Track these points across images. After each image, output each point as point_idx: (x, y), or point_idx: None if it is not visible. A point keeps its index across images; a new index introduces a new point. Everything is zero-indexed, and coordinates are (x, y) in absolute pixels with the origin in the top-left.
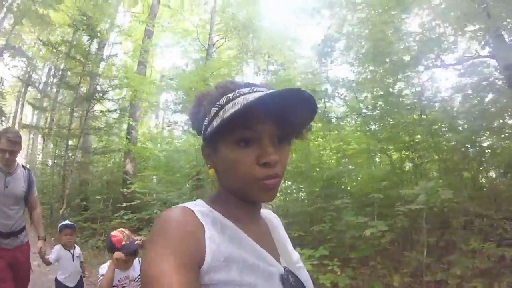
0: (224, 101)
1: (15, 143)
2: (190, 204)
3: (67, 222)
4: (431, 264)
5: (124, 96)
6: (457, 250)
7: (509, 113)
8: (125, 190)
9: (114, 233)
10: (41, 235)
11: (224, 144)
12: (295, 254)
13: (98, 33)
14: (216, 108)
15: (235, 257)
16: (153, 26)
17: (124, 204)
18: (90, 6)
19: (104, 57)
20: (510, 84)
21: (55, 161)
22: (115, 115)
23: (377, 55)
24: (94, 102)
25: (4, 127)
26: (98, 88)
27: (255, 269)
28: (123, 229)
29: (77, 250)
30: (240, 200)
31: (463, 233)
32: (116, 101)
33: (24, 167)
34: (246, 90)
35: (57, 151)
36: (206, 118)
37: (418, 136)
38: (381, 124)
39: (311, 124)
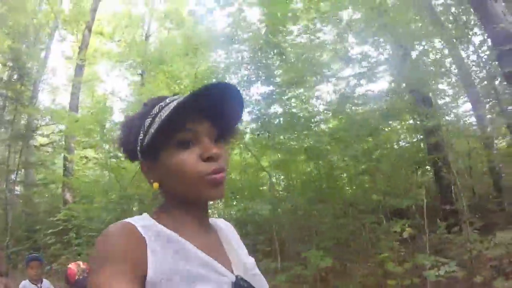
0: (157, 109)
1: None
2: (133, 219)
3: (34, 254)
4: None
5: (57, 130)
6: None
7: None
8: (51, 219)
9: (70, 265)
10: (2, 271)
11: (165, 152)
12: (250, 261)
13: (28, 73)
14: (150, 119)
15: (179, 269)
16: (84, 60)
17: (50, 230)
18: (21, 46)
19: (35, 94)
20: None
21: None
22: (50, 149)
23: None
24: (28, 138)
25: None
26: (34, 123)
27: (203, 280)
28: (80, 262)
29: (45, 284)
30: (186, 209)
31: None
32: (47, 136)
33: None
34: (176, 97)
35: None
36: (141, 133)
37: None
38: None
39: (241, 121)
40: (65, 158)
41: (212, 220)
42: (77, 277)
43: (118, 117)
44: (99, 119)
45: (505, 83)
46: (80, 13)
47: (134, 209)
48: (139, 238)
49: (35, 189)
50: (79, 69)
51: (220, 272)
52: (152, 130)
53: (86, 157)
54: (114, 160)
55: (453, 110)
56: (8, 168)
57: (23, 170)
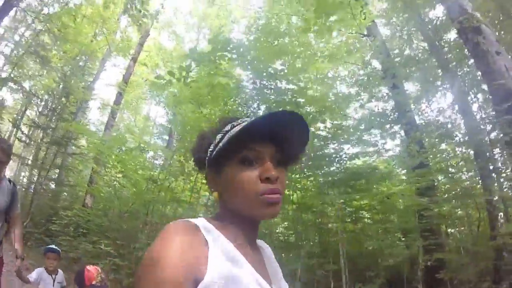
0: (230, 127)
1: (6, 154)
2: (195, 220)
3: (52, 246)
4: None
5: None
6: None
7: None
8: (61, 213)
9: (89, 267)
10: (20, 254)
11: (229, 166)
12: (284, 283)
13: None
14: (221, 134)
15: (234, 278)
16: (123, 89)
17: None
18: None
19: (77, 111)
20: None
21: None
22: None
23: None
24: (62, 145)
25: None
26: (70, 134)
27: None
28: (99, 269)
29: (59, 275)
30: (240, 222)
31: None
32: (79, 147)
33: (10, 180)
34: (247, 119)
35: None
36: (212, 145)
37: None
38: None
39: (305, 149)
40: (92, 168)
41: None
42: (94, 281)
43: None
44: (110, 145)
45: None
46: (128, 46)
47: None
48: (202, 239)
49: (63, 188)
50: (119, 95)
51: (264, 287)
52: (221, 145)
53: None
54: (116, 182)
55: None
56: (42, 166)
57: (57, 170)
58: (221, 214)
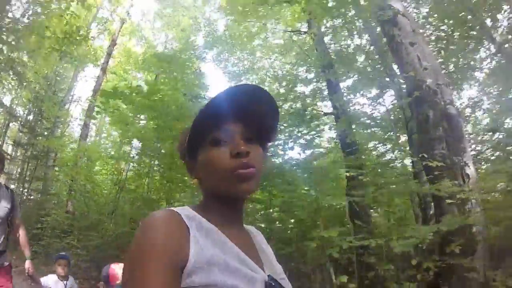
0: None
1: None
2: (177, 208)
3: (62, 253)
4: None
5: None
6: None
7: None
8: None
9: (114, 265)
10: (28, 256)
11: (201, 150)
12: (278, 267)
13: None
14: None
15: (217, 260)
16: (92, 101)
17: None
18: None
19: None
20: None
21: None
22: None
23: None
24: (39, 159)
25: None
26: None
27: (237, 273)
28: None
29: (70, 281)
30: (222, 203)
31: None
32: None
33: (7, 187)
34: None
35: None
36: (188, 135)
37: None
38: None
39: (276, 124)
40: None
41: (246, 227)
42: (118, 281)
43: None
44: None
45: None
46: (96, 57)
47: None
48: (183, 226)
49: (47, 197)
50: (91, 106)
51: (253, 269)
52: (190, 131)
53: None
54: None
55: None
56: (24, 179)
57: (42, 182)
58: (203, 200)
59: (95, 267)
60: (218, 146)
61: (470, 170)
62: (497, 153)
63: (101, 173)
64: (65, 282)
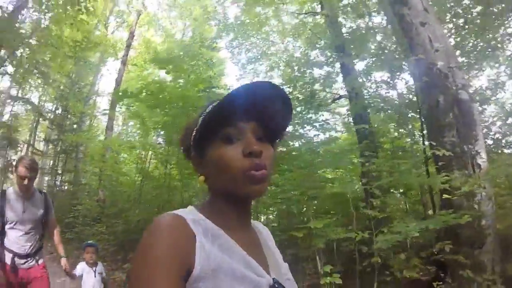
0: (210, 107)
1: (32, 170)
2: (182, 212)
3: (90, 242)
4: None
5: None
6: None
7: None
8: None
9: None
10: (63, 254)
11: (211, 146)
12: (284, 266)
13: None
14: (203, 116)
15: (224, 267)
16: (114, 95)
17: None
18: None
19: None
20: None
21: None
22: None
23: None
24: (69, 153)
25: (19, 155)
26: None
27: (243, 279)
28: None
29: (99, 267)
30: (229, 203)
31: None
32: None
33: (40, 191)
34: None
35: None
36: (194, 130)
37: None
38: None
39: (289, 124)
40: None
41: (252, 222)
42: None
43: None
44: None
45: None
46: (115, 51)
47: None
48: (189, 232)
49: (78, 187)
50: (113, 100)
51: (259, 273)
52: (200, 126)
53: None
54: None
55: None
56: (56, 172)
57: (73, 174)
58: (210, 199)
59: (121, 251)
60: (231, 143)
61: (482, 159)
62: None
63: (125, 163)
64: (94, 268)
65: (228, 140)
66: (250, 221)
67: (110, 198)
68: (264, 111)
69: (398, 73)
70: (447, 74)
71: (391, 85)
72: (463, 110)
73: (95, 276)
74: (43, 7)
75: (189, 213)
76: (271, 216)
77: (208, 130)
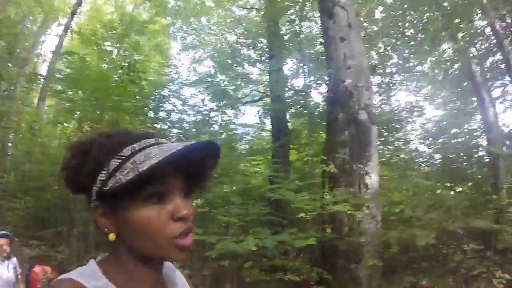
0: (130, 152)
1: None
2: (81, 275)
3: (2, 232)
4: None
5: None
6: None
7: None
8: None
9: (36, 268)
10: None
11: (131, 202)
12: None
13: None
14: (119, 160)
15: None
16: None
17: None
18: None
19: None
20: None
21: None
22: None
23: None
24: None
25: None
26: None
27: None
28: (48, 268)
29: (13, 261)
30: (141, 265)
31: None
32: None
33: None
34: (151, 140)
35: None
36: (103, 172)
37: None
38: None
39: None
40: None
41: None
42: (39, 285)
43: None
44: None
45: None
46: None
47: None
48: None
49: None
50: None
51: None
52: (121, 176)
53: None
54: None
55: None
56: None
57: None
58: (117, 257)
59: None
60: (155, 203)
61: (371, 180)
62: None
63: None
64: (6, 262)
65: (153, 199)
66: (161, 274)
67: (35, 174)
68: (197, 169)
69: (319, 82)
70: (352, 93)
71: (308, 92)
72: (360, 129)
73: (8, 271)
74: None
75: (91, 277)
76: None
77: (134, 186)
